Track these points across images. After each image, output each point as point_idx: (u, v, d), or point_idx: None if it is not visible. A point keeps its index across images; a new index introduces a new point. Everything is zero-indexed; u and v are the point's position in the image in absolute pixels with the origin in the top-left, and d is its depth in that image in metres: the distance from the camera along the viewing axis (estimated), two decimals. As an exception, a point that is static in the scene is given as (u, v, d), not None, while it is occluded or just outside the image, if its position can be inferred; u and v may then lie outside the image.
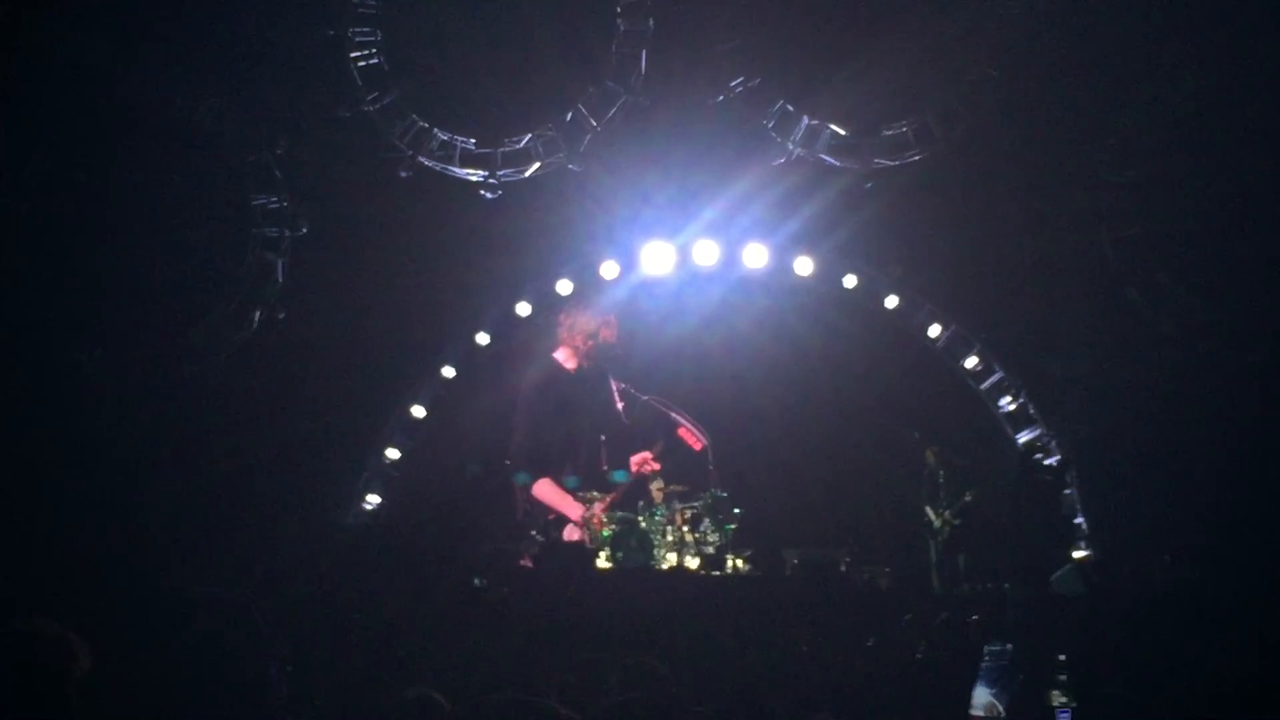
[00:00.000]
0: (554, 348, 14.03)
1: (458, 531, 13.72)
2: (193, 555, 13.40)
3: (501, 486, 13.96)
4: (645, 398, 13.90)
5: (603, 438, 13.82)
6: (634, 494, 13.54)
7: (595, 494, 13.24)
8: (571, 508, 13.25)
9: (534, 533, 13.32)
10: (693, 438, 13.75)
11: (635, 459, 13.72)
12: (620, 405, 13.93)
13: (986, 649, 7.83)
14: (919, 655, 6.97)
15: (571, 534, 13.27)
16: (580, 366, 13.89)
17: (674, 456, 13.77)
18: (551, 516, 13.21)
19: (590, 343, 13.83)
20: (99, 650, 4.43)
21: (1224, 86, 15.02)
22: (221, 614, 4.34)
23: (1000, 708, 7.64)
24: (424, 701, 4.82)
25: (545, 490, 13.41)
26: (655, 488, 13.62)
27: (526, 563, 12.84)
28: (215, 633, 4.30)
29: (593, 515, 13.06)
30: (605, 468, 13.68)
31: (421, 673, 5.44)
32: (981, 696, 7.66)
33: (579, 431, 13.78)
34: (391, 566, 12.21)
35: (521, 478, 13.37)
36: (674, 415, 13.83)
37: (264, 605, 4.53)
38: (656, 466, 13.62)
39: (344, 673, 5.39)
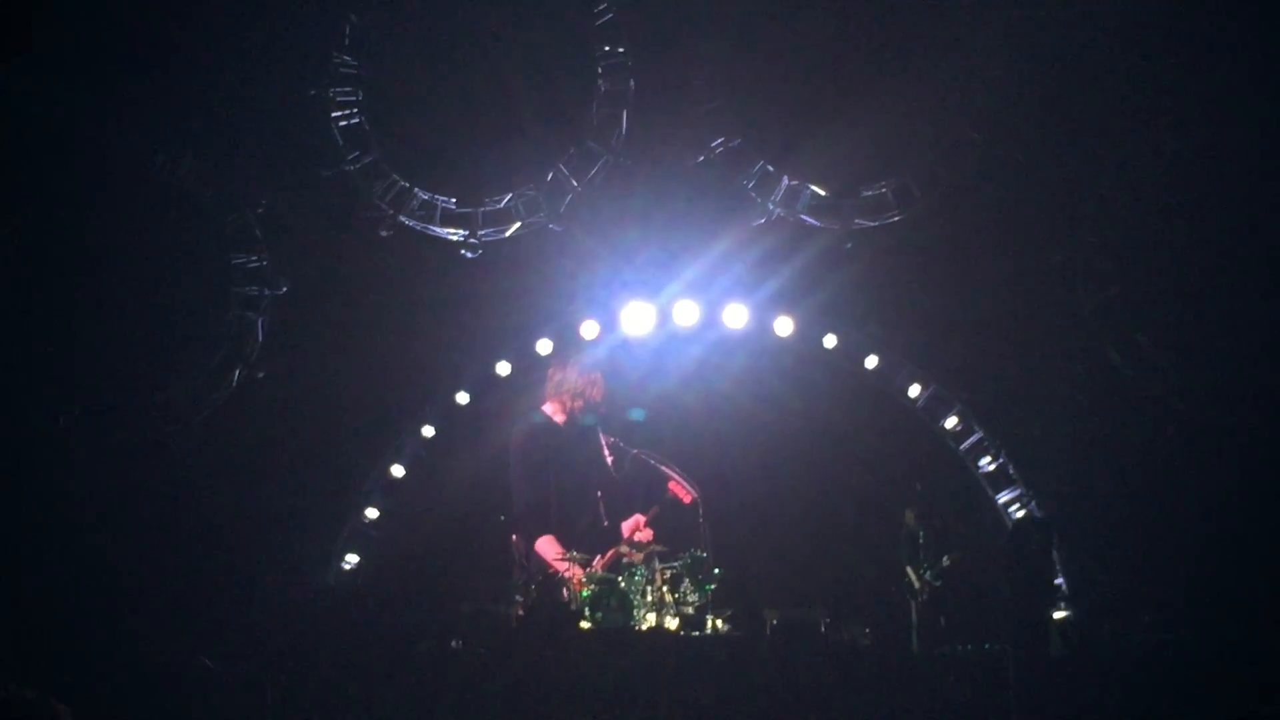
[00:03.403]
0: (541, 402, 14.03)
1: (436, 592, 13.68)
2: (170, 617, 13.33)
3: (493, 545, 13.93)
4: (634, 451, 13.90)
5: (599, 494, 13.81)
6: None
7: (575, 555, 13.21)
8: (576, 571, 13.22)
9: (517, 596, 13.27)
10: (683, 491, 13.75)
11: (627, 525, 13.70)
12: (610, 459, 13.92)
13: None
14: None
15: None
16: (568, 421, 13.89)
17: (662, 513, 13.77)
18: (550, 573, 13.14)
19: (579, 401, 13.84)
20: (84, 711, 4.40)
21: (1200, 148, 15.11)
22: (200, 681, 4.32)
23: None
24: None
25: (547, 548, 13.37)
26: (636, 548, 13.57)
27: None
28: (193, 699, 4.28)
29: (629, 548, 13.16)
30: (606, 523, 13.67)
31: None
32: None
33: (573, 485, 13.76)
34: (370, 627, 12.17)
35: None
36: (663, 469, 13.83)
37: (242, 668, 4.50)
38: (649, 535, 13.60)
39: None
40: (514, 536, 13.57)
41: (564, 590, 12.96)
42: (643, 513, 13.76)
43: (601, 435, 13.89)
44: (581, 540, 13.29)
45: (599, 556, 13.35)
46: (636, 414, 13.49)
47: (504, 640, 12.24)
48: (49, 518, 14.23)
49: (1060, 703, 11.54)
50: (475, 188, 15.34)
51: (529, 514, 13.47)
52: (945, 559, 14.25)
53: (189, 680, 3.98)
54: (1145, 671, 11.88)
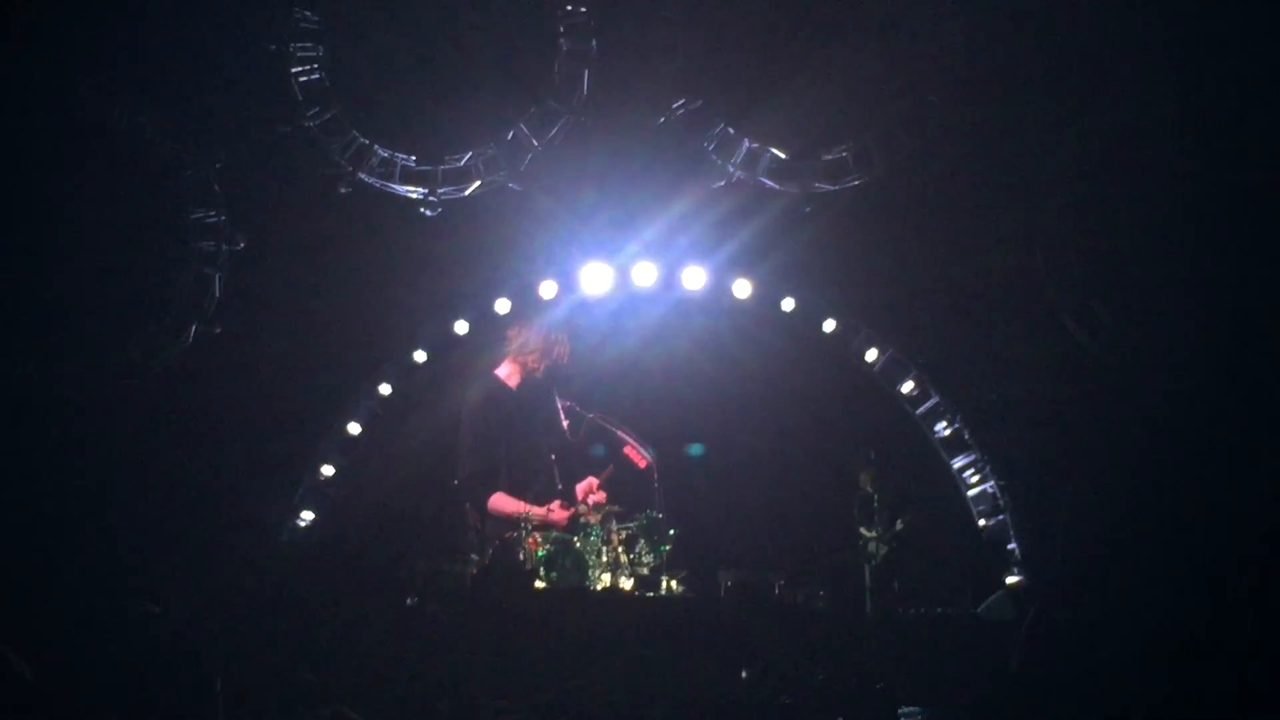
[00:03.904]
0: (495, 365, 14.01)
1: (392, 550, 13.69)
2: (125, 572, 13.29)
3: (448, 504, 13.96)
4: (590, 415, 13.90)
5: (553, 456, 13.82)
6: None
7: (530, 515, 13.24)
8: (540, 511, 13.24)
9: (472, 554, 13.31)
10: (638, 455, 13.78)
11: (581, 487, 13.72)
12: (565, 423, 13.93)
13: (901, 711, 7.83)
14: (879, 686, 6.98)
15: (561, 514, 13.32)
16: (523, 383, 13.88)
17: (618, 475, 13.80)
18: (508, 534, 13.14)
19: (544, 361, 13.84)
20: (38, 665, 4.40)
21: (1158, 113, 15.14)
22: (157, 632, 4.32)
23: None
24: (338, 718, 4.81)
25: (502, 502, 13.38)
26: (592, 507, 13.61)
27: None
28: (151, 650, 4.27)
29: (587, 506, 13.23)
30: (560, 486, 13.68)
31: (348, 690, 5.43)
32: None
33: (526, 449, 13.76)
34: (325, 584, 12.17)
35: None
36: (619, 433, 13.85)
37: (198, 623, 4.50)
38: (602, 497, 13.62)
39: (275, 690, 5.37)
40: (466, 505, 13.59)
41: (519, 550, 12.99)
42: (596, 476, 13.80)
43: (558, 399, 13.90)
44: (535, 503, 13.32)
45: (558, 503, 13.37)
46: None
47: (459, 599, 12.25)
48: (3, 473, 14.15)
49: (1014, 668, 11.58)
50: (435, 146, 15.28)
51: (475, 480, 13.48)
52: (899, 522, 14.33)
53: (137, 627, 4.00)
54: (1099, 637, 11.94)
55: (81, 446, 14.61)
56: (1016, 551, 15.39)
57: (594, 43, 15.23)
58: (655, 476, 13.74)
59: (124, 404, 14.85)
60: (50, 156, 14.70)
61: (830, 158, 15.38)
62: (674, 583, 13.34)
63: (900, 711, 7.62)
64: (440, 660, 10.49)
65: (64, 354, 14.73)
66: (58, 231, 14.64)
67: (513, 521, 13.14)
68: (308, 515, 15.52)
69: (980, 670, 11.65)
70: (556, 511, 13.37)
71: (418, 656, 10.46)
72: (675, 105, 15.30)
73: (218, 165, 15.03)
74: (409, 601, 12.30)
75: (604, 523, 13.43)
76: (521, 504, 13.23)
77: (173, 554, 13.85)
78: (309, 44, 15.08)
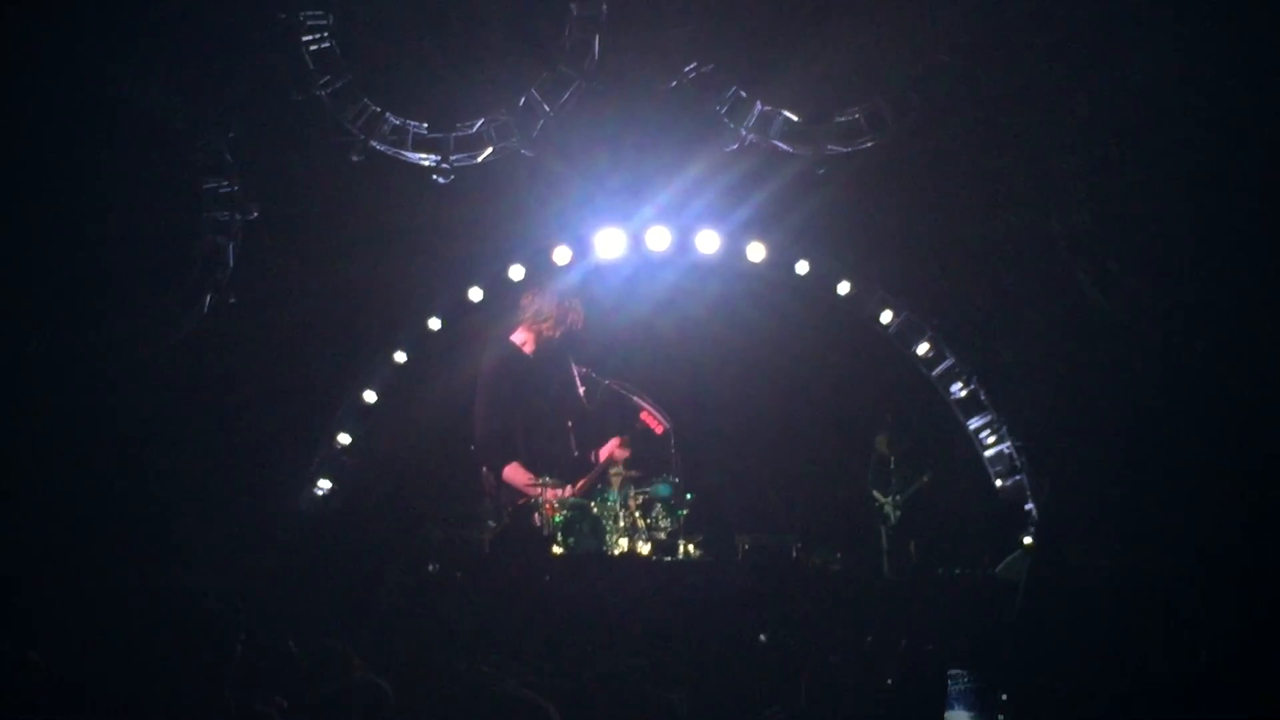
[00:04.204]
0: (510, 331, 14.04)
1: (410, 517, 13.73)
2: (143, 541, 13.32)
3: (464, 471, 14.00)
4: (606, 382, 13.94)
5: (570, 423, 13.85)
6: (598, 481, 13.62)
7: (548, 480, 13.28)
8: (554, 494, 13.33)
9: (490, 521, 13.35)
10: (654, 421, 13.81)
11: (604, 449, 13.76)
12: (581, 389, 13.96)
13: (950, 672, 7.83)
14: (889, 681, 6.96)
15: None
16: (538, 350, 13.91)
17: (635, 442, 13.83)
18: (521, 501, 13.22)
19: (559, 328, 13.88)
20: (56, 636, 4.42)
21: (1173, 74, 15.08)
22: (179, 599, 4.33)
23: None
24: (368, 686, 4.83)
25: (517, 475, 13.46)
26: (612, 473, 13.67)
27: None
28: (172, 618, 4.29)
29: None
30: (576, 453, 13.71)
31: (369, 656, 5.45)
32: (959, 719, 7.64)
33: (542, 415, 13.81)
34: (342, 552, 12.21)
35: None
36: (635, 399, 13.88)
37: (218, 591, 4.51)
38: (626, 454, 13.67)
39: (300, 658, 5.41)
40: (484, 468, 13.64)
41: (536, 515, 13.04)
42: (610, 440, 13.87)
43: (574, 365, 13.93)
44: (551, 469, 13.36)
45: (570, 486, 13.43)
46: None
47: (477, 565, 12.29)
48: (19, 445, 14.18)
49: (1028, 628, 11.58)
50: (447, 112, 15.24)
51: (491, 444, 13.54)
52: (915, 483, 14.35)
53: (161, 598, 4.01)
54: (1113, 598, 11.95)
55: (97, 417, 14.62)
56: (1033, 512, 15.39)
57: (604, 7, 15.16)
58: (672, 443, 13.76)
59: (140, 374, 14.86)
60: (62, 128, 14.68)
61: (843, 120, 15.32)
62: (691, 547, 13.37)
63: (949, 672, 7.63)
64: (459, 626, 10.51)
65: (79, 325, 14.74)
66: (71, 203, 14.63)
67: (519, 493, 13.23)
68: (324, 484, 15.56)
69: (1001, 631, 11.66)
70: (568, 494, 13.43)
71: (435, 623, 10.49)
72: (687, 69, 15.23)
73: (230, 135, 15.01)
74: (431, 568, 12.33)
75: (621, 488, 13.47)
76: (532, 482, 13.29)
77: (189, 525, 13.87)
78: (319, 12, 15.03)
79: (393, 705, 3.93)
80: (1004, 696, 7.39)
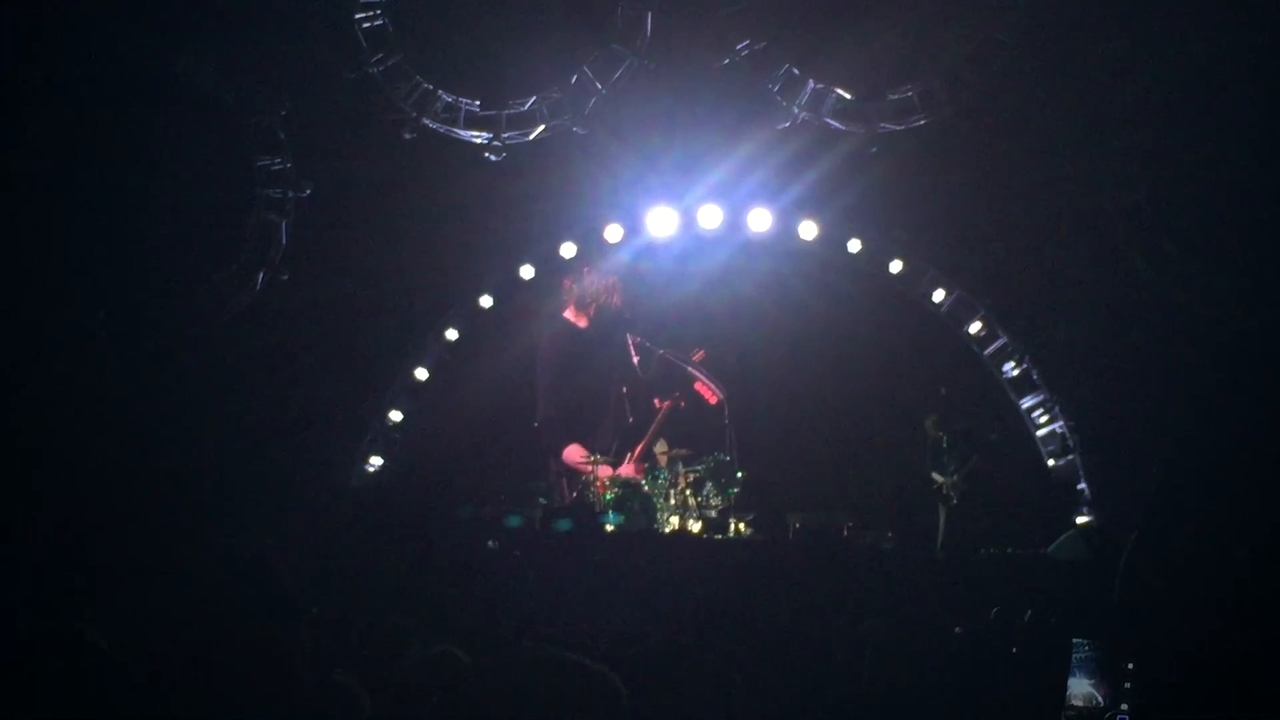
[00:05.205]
0: (562, 308, 14.12)
1: (460, 494, 13.78)
2: (196, 516, 13.39)
3: (518, 448, 14.09)
4: (660, 351, 13.99)
5: (624, 390, 13.92)
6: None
7: (598, 458, 13.34)
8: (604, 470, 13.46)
9: (540, 499, 13.42)
10: (709, 391, 13.84)
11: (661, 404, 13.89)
12: (636, 359, 14.01)
13: (1075, 640, 7.82)
14: (956, 630, 6.93)
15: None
16: (592, 323, 14.01)
17: (688, 414, 13.88)
18: (579, 480, 13.34)
19: (594, 306, 13.95)
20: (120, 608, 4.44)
21: (1230, 53, 14.96)
22: (246, 567, 4.34)
23: (1100, 698, 7.56)
24: (445, 657, 4.85)
25: (574, 453, 13.59)
26: (659, 451, 13.68)
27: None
28: (237, 588, 4.30)
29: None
30: (631, 419, 13.76)
31: (436, 630, 5.47)
32: (1080, 688, 7.60)
33: (598, 387, 13.91)
34: (395, 528, 12.25)
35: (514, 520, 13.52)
36: (689, 369, 13.92)
37: (282, 562, 4.53)
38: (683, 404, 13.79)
39: (358, 632, 5.43)
40: (549, 460, 13.77)
41: (589, 494, 13.10)
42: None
43: (628, 335, 13.98)
44: (607, 437, 13.44)
45: (630, 455, 13.49)
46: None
47: (530, 542, 12.32)
48: (76, 420, 14.28)
49: (1079, 607, 11.54)
50: (499, 90, 15.24)
51: (550, 426, 13.63)
52: (969, 462, 14.31)
53: (225, 569, 4.02)
54: (1164, 577, 11.90)
55: (151, 393, 14.71)
56: (1086, 491, 15.34)
57: (657, -16, 15.15)
58: (725, 413, 13.79)
59: (193, 351, 14.95)
60: (117, 106, 14.76)
61: (896, 98, 15.26)
62: (742, 525, 13.37)
63: (1074, 641, 7.61)
64: (513, 602, 10.52)
65: (134, 302, 14.83)
66: (126, 181, 14.72)
67: (580, 472, 13.32)
68: (376, 460, 15.61)
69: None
70: (628, 470, 13.49)
71: (493, 597, 10.50)
72: (739, 46, 15.19)
73: (283, 113, 15.06)
74: (490, 544, 12.36)
75: (671, 465, 13.48)
76: (586, 459, 13.38)
77: (242, 500, 13.94)
78: (372, -11, 15.07)
79: (467, 675, 3.94)
80: (1129, 665, 7.34)
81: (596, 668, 3.84)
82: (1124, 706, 7.63)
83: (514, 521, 13.43)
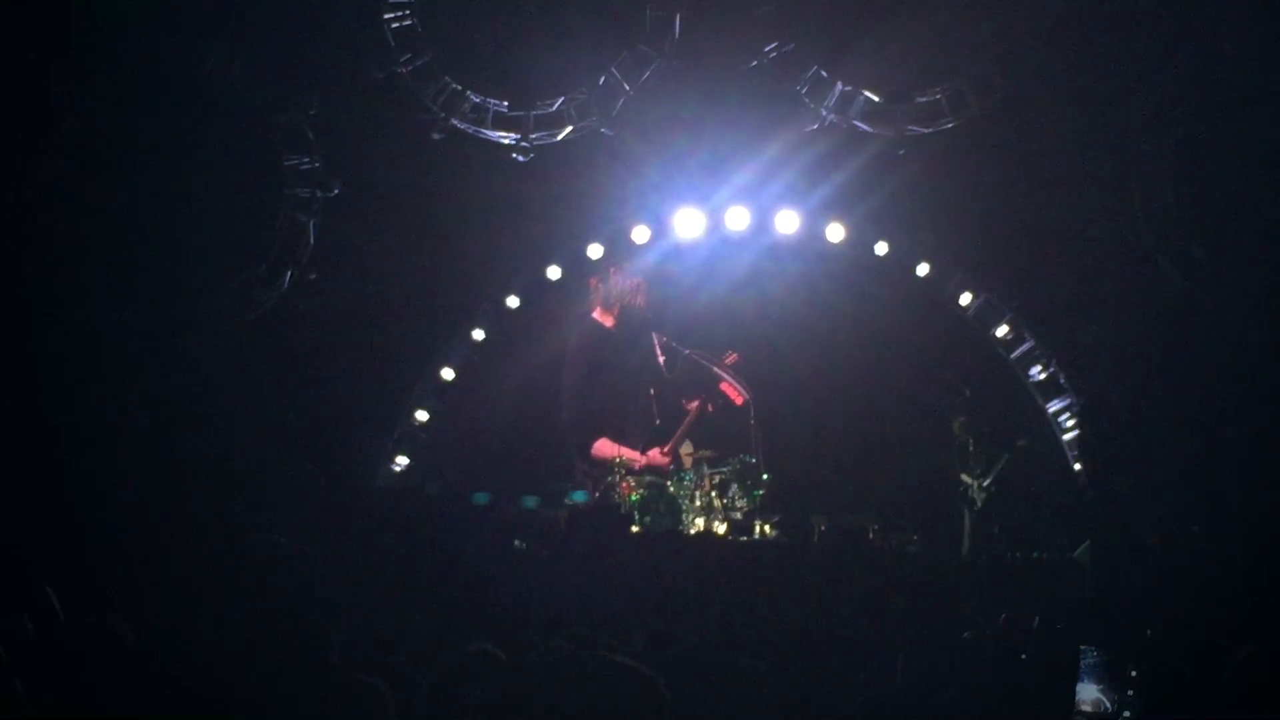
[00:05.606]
0: (591, 308, 14.14)
1: (486, 494, 13.79)
2: (222, 517, 13.42)
3: (544, 448, 14.10)
4: (686, 351, 14.00)
5: (652, 391, 13.93)
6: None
7: (622, 460, 13.35)
8: (635, 455, 13.48)
9: (566, 499, 13.43)
10: (735, 392, 13.84)
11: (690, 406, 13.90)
12: (662, 359, 14.02)
13: (1082, 646, 7.83)
14: (966, 635, 6.92)
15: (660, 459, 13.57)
16: (619, 324, 14.02)
17: (714, 415, 13.88)
18: (601, 480, 13.34)
19: (618, 307, 13.97)
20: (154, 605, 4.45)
21: (1260, 54, 14.92)
22: (282, 560, 4.35)
23: (1108, 703, 7.57)
24: (483, 655, 4.86)
25: (605, 448, 13.59)
26: (684, 453, 13.69)
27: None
28: (271, 583, 4.31)
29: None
30: (658, 421, 13.77)
31: (468, 628, 5.48)
32: (1088, 693, 7.60)
33: (625, 388, 13.91)
34: (421, 529, 12.27)
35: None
36: (715, 369, 13.92)
37: (315, 557, 4.53)
38: (710, 409, 13.79)
39: (407, 631, 5.44)
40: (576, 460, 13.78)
41: (614, 494, 13.09)
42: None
43: (655, 336, 13.99)
44: (635, 438, 13.46)
45: (657, 451, 13.52)
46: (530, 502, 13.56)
47: (558, 542, 12.33)
48: (104, 420, 14.32)
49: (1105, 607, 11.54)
50: (527, 91, 15.25)
51: (577, 425, 13.65)
52: (997, 465, 14.29)
53: (258, 563, 4.03)
54: (1195, 579, 11.88)
55: (178, 393, 14.75)
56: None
57: (685, -14, 15.15)
58: (751, 414, 13.78)
59: (220, 350, 14.97)
60: (145, 105, 14.80)
61: (924, 100, 15.23)
62: (767, 527, 13.36)
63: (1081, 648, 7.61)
64: (540, 601, 10.54)
65: (161, 300, 14.87)
66: (154, 180, 14.75)
67: (609, 466, 13.28)
68: (402, 460, 15.63)
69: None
70: (655, 457, 13.50)
71: (521, 597, 10.52)
72: (767, 48, 15.18)
73: (311, 112, 15.08)
74: (516, 544, 12.38)
75: (696, 467, 13.48)
76: (621, 450, 13.39)
77: (268, 500, 13.96)
78: (401, -10, 15.09)
79: (507, 674, 3.93)
80: (1134, 673, 7.35)
81: (642, 670, 3.84)
82: (1126, 715, 7.64)
83: (530, 503, 13.47)
